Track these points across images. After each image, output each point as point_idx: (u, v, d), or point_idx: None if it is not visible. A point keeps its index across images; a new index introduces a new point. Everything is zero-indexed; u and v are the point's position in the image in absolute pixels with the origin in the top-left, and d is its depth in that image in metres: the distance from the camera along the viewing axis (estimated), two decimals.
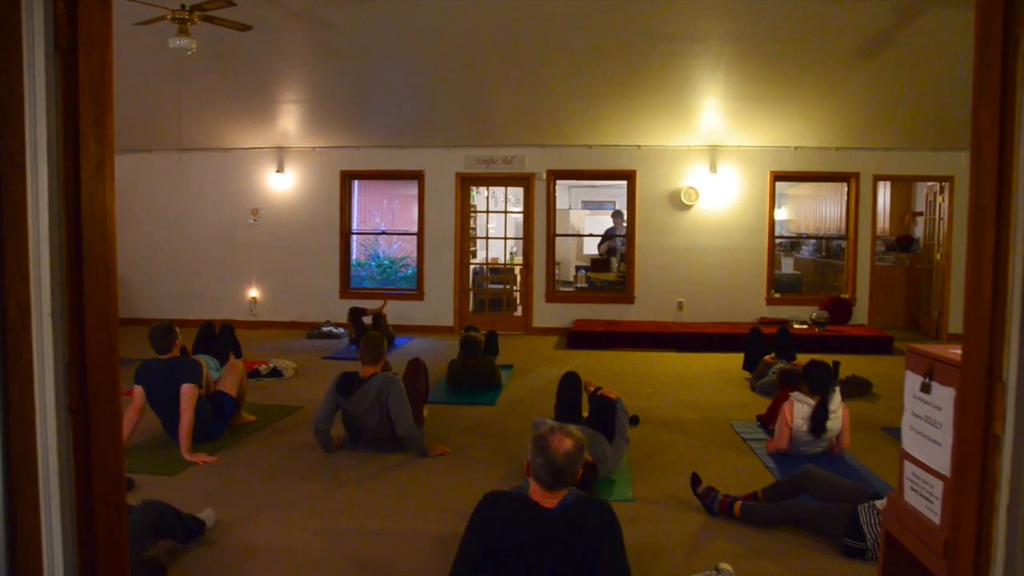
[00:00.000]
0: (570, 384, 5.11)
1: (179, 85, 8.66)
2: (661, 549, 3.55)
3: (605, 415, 4.73)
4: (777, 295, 10.28)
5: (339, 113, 9.81)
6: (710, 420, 5.92)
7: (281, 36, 8.04)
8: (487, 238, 11.60)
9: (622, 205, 11.20)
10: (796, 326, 8.94)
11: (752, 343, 7.42)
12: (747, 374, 7.36)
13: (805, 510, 3.69)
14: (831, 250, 11.62)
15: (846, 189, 10.17)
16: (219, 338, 6.86)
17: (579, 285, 12.43)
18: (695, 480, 4.09)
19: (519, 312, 10.73)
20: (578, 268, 13.65)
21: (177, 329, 5.13)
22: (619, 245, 11.71)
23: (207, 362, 6.02)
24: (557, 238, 10.72)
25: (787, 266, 12.66)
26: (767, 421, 5.43)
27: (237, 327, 7.46)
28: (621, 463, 4.53)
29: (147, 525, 3.23)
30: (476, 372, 6.79)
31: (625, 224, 11.27)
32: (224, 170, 10.68)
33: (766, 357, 7.10)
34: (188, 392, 4.84)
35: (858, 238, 10.03)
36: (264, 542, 3.60)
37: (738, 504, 3.86)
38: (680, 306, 10.19)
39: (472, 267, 11.03)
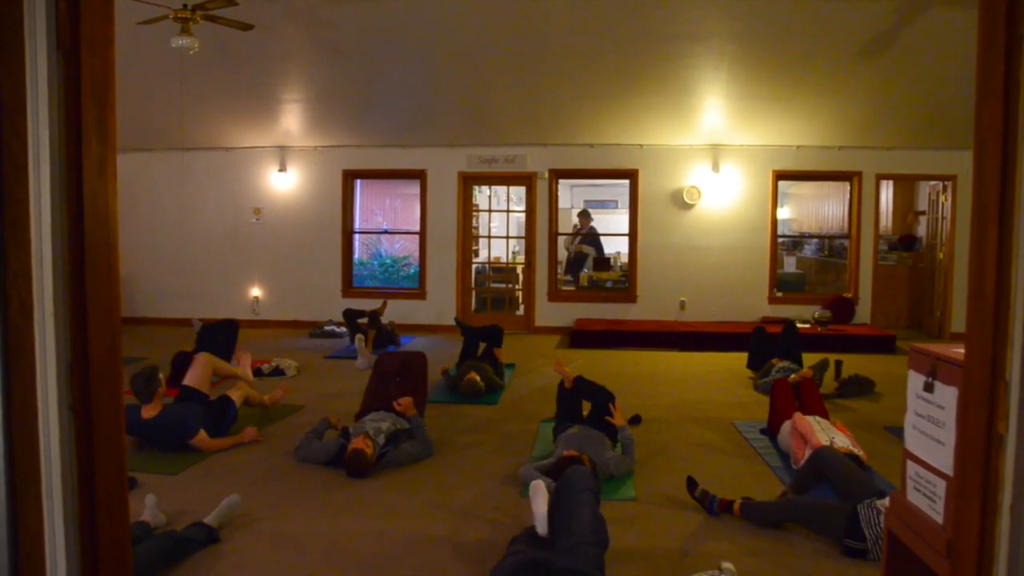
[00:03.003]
0: (569, 391, 5.13)
1: (181, 84, 8.67)
2: (663, 548, 3.54)
3: (595, 405, 4.89)
4: (779, 294, 10.27)
5: (341, 112, 9.81)
6: (712, 419, 5.91)
7: (283, 35, 8.05)
8: (489, 237, 11.60)
9: (624, 204, 11.20)
10: (799, 325, 8.92)
11: (756, 342, 7.38)
12: (751, 373, 7.34)
13: (804, 507, 3.69)
14: (833, 249, 11.61)
15: (848, 188, 10.15)
16: (221, 334, 6.87)
17: (581, 284, 12.42)
18: (691, 483, 4.08)
19: (521, 311, 10.73)
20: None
21: (161, 376, 4.94)
22: (574, 243, 11.81)
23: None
24: (559, 237, 10.72)
25: (790, 265, 12.66)
26: (772, 430, 5.34)
27: (240, 325, 7.45)
28: (623, 472, 4.51)
29: (158, 554, 3.24)
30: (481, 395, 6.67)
31: (592, 224, 11.35)
32: (226, 169, 10.69)
33: (773, 360, 7.04)
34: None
35: (860, 237, 10.02)
36: (266, 542, 3.60)
37: (737, 503, 3.86)
38: (682, 305, 10.18)
39: (474, 266, 11.03)
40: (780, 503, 3.80)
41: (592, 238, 11.85)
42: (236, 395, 5.44)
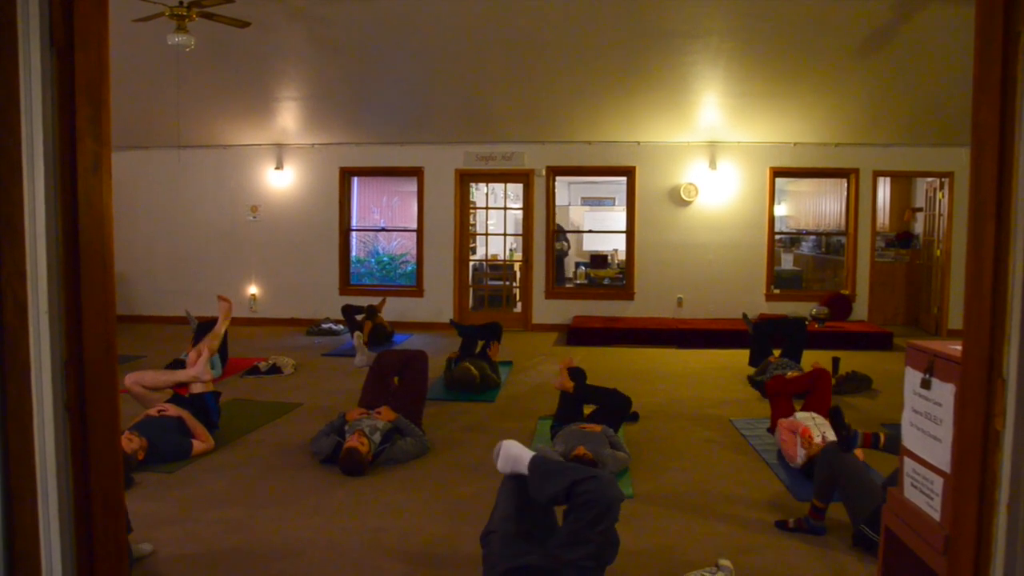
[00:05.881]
0: (571, 396, 5.14)
1: (177, 82, 8.65)
2: (660, 545, 3.55)
3: (605, 409, 4.81)
4: (777, 291, 10.28)
5: (338, 110, 9.80)
6: (710, 416, 5.92)
7: (280, 33, 8.03)
8: (487, 234, 11.59)
9: (622, 201, 11.20)
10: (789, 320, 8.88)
11: (757, 337, 7.29)
12: (752, 370, 7.27)
13: (852, 468, 3.54)
14: (831, 246, 11.61)
15: (846, 185, 10.16)
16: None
17: (579, 281, 12.44)
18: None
19: (519, 308, 10.73)
20: (578, 264, 13.65)
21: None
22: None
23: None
24: (556, 234, 10.71)
25: (787, 262, 12.65)
26: (771, 428, 5.33)
27: (237, 324, 7.46)
28: (621, 468, 4.51)
29: None
30: (474, 391, 6.67)
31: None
32: (223, 167, 10.67)
33: (770, 358, 7.01)
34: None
35: (858, 234, 10.02)
36: (263, 540, 3.60)
37: (813, 507, 3.71)
38: (680, 302, 10.19)
39: (472, 263, 11.03)
40: (825, 463, 3.64)
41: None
42: (201, 387, 5.19)
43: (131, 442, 4.45)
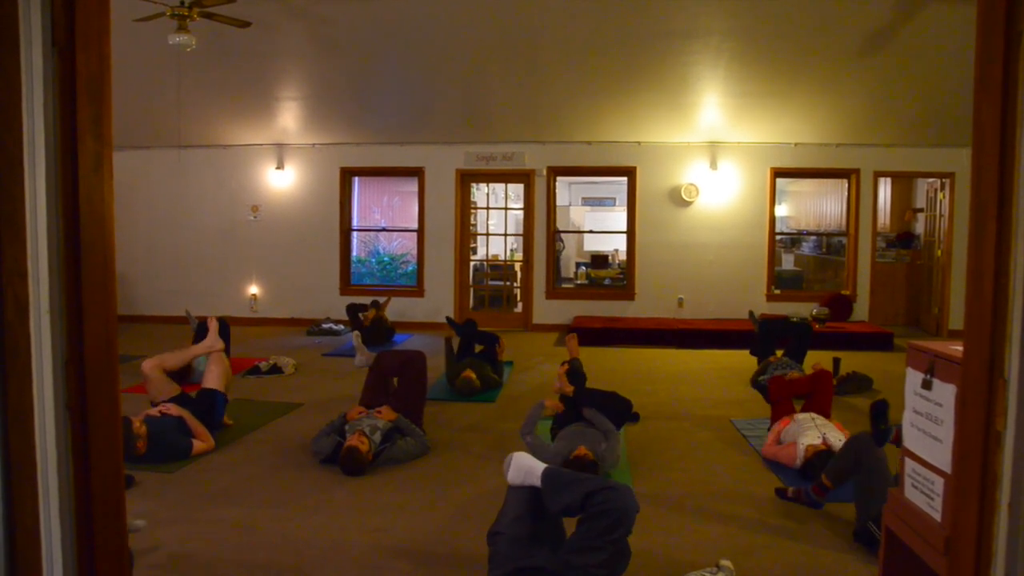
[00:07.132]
0: (568, 401, 5.13)
1: (178, 81, 8.66)
2: (661, 545, 3.54)
3: (605, 412, 4.80)
4: (778, 291, 10.28)
5: (339, 109, 9.80)
6: (710, 417, 5.92)
7: (280, 32, 8.04)
8: (487, 235, 11.60)
9: (622, 201, 11.20)
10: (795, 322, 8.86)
11: (763, 333, 7.19)
12: (754, 360, 7.17)
13: (874, 461, 3.57)
14: (832, 246, 11.60)
15: (847, 185, 10.15)
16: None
17: (579, 282, 12.44)
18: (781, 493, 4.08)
19: (519, 308, 10.73)
20: (578, 264, 13.65)
21: (135, 421, 4.59)
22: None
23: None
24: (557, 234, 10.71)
25: (787, 262, 12.65)
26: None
27: (237, 324, 7.45)
28: (618, 457, 4.50)
29: None
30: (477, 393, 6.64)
31: None
32: (224, 167, 10.67)
33: (771, 358, 6.99)
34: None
35: (859, 234, 10.02)
36: (263, 539, 3.60)
37: (819, 483, 3.80)
38: (680, 303, 10.18)
39: (472, 264, 11.03)
40: (847, 453, 3.70)
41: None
42: (218, 384, 5.24)
43: (141, 427, 4.53)
